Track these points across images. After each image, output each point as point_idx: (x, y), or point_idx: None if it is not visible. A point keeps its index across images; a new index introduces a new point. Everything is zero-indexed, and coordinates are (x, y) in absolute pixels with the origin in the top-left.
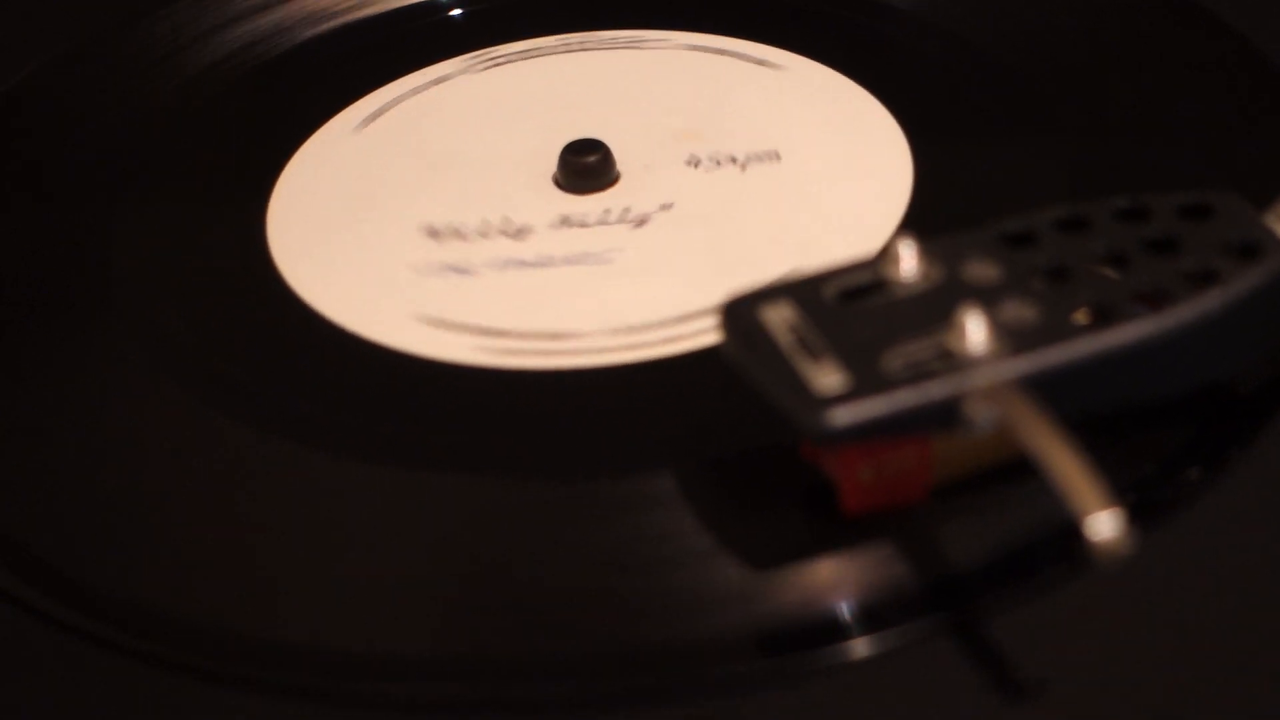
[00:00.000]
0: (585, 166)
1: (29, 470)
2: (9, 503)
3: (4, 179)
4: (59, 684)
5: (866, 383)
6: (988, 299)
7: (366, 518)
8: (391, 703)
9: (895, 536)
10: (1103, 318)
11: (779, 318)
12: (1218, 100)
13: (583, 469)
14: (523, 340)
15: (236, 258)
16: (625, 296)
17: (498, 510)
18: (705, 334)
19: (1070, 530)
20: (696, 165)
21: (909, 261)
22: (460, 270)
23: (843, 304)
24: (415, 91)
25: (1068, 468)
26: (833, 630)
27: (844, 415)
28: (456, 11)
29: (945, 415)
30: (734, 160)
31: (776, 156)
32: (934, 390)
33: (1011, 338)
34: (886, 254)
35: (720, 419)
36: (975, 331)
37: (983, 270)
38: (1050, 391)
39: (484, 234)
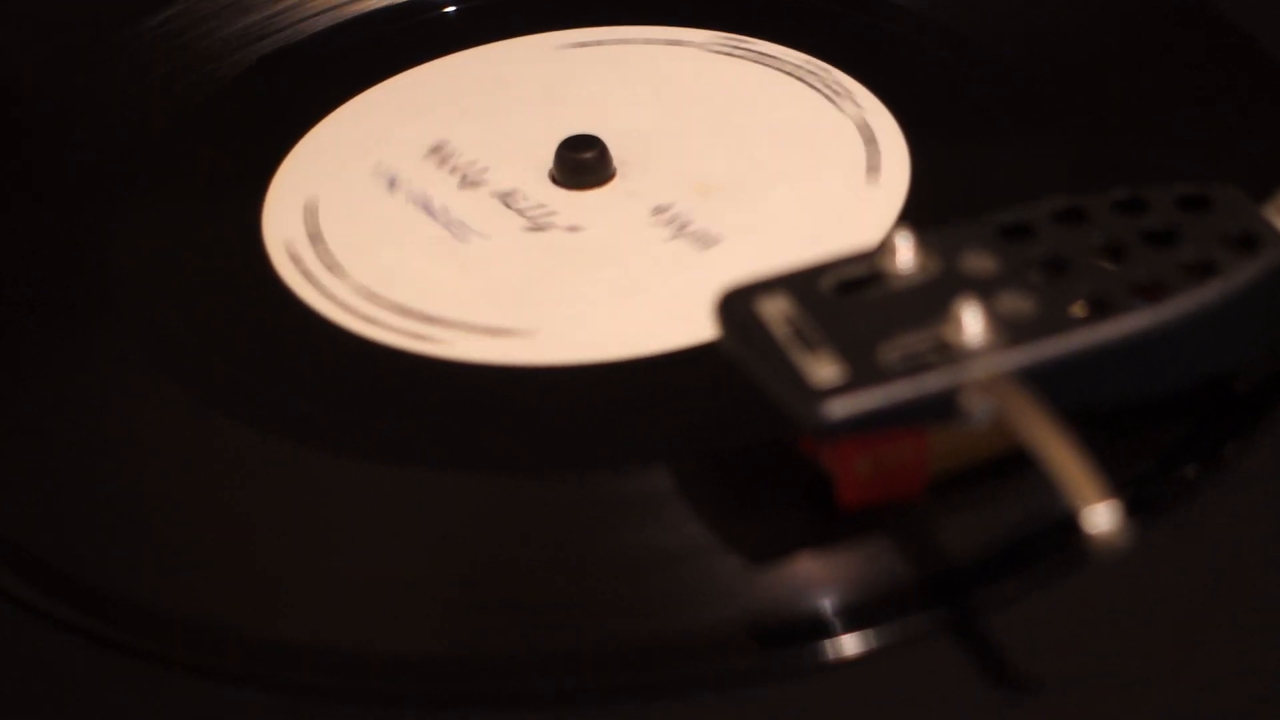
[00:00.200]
0: (580, 162)
1: (29, 470)
2: (9, 503)
3: (3, 179)
4: (59, 684)
5: (863, 375)
6: (985, 291)
7: (366, 517)
8: (391, 700)
9: (891, 531)
10: (1100, 310)
11: (775, 310)
12: (1216, 97)
13: (581, 465)
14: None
15: (236, 257)
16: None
17: (496, 507)
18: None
19: (1068, 524)
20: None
21: (906, 253)
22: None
23: (839, 296)
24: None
25: (1065, 460)
26: (830, 625)
27: (841, 407)
28: (450, 9)
29: (942, 407)
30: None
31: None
32: (931, 382)
33: (1009, 330)
34: (883, 246)
35: (716, 415)
36: (972, 323)
37: (980, 262)
38: (1047, 384)
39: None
